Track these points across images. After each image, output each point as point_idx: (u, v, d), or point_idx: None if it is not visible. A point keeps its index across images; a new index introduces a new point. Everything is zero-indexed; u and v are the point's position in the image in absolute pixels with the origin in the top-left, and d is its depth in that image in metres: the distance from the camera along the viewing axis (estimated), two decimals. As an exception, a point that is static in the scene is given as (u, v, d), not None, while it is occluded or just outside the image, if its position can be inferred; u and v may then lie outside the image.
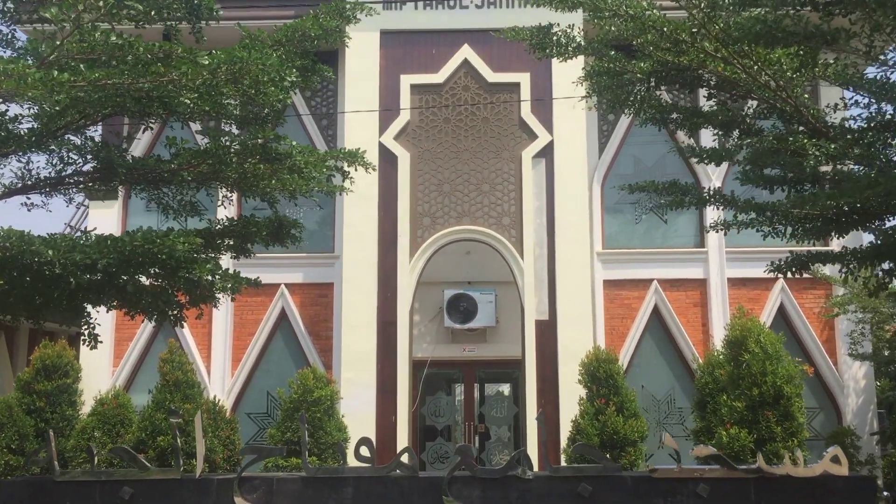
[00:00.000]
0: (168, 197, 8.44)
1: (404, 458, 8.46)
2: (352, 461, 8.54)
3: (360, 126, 13.66)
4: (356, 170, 9.00)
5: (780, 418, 10.53)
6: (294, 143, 8.23)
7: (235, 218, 9.25)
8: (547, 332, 13.14)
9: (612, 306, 14.27)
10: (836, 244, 13.49)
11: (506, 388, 15.68)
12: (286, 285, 14.39)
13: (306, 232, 14.57)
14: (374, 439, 12.89)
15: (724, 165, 14.24)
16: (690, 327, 14.17)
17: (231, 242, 8.60)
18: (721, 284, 14.15)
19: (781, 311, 14.08)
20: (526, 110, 13.64)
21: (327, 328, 14.25)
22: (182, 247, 6.52)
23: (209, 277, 7.54)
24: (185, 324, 13.95)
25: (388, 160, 13.62)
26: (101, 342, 8.09)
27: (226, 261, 12.72)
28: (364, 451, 8.36)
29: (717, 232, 9.08)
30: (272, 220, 8.74)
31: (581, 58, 13.40)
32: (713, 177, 14.27)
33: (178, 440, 8.50)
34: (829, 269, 13.37)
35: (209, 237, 8.16)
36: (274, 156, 7.74)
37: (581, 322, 13.13)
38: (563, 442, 11.97)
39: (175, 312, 8.07)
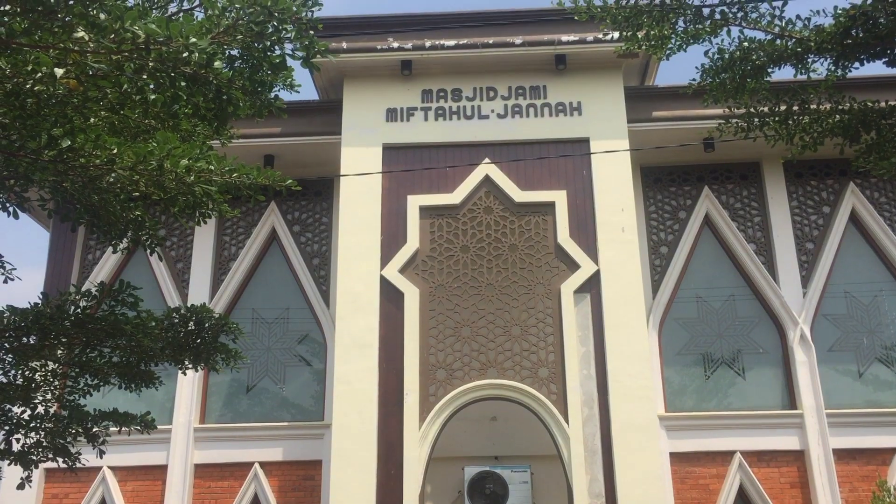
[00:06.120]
0: None
1: None
2: None
3: (358, 258, 10.99)
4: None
5: None
6: None
7: None
8: (605, 521, 9.73)
9: (682, 487, 10.95)
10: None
11: None
12: (261, 464, 11.22)
13: (288, 396, 11.69)
14: None
15: (814, 304, 11.52)
16: (790, 515, 10.76)
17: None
18: (825, 457, 10.87)
19: (910, 492, 10.66)
20: (564, 235, 10.95)
21: (314, 522, 10.91)
22: None
23: None
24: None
25: (391, 298, 10.79)
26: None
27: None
28: None
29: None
30: None
31: (628, 177, 11.15)
32: (800, 319, 11.42)
33: None
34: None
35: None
36: None
37: (652, 506, 9.74)
38: None
39: None
